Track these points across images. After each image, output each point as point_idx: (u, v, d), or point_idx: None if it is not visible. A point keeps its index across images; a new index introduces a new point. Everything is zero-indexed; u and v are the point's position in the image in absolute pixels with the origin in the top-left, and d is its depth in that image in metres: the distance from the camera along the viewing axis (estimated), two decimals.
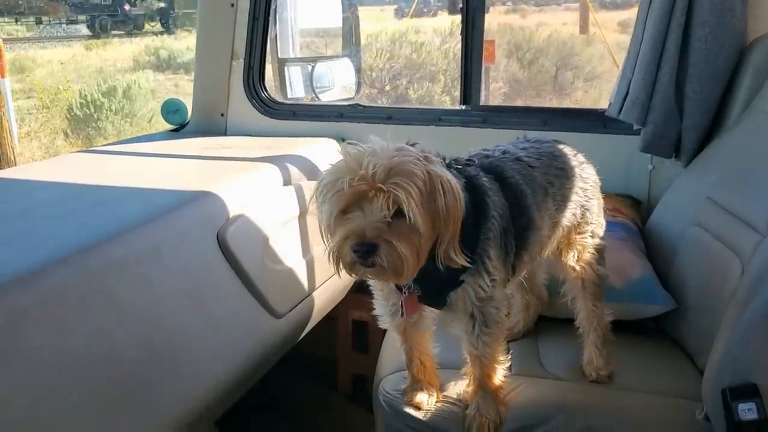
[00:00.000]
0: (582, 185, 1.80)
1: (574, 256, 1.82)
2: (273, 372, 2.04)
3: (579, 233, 1.81)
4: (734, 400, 1.41)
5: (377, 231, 1.35)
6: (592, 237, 1.83)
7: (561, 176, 1.75)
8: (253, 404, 2.30)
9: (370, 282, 1.68)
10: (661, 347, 1.97)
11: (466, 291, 1.55)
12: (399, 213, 1.35)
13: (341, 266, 1.41)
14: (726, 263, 1.78)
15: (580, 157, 1.85)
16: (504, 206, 1.58)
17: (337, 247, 1.38)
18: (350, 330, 2.79)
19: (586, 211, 1.81)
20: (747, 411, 1.40)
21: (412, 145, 1.45)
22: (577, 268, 1.82)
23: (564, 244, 1.81)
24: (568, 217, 1.76)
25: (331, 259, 1.41)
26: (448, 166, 1.50)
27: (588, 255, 1.83)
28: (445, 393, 1.76)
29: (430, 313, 1.70)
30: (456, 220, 1.42)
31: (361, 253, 1.35)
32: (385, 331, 2.15)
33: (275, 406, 2.73)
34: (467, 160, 1.61)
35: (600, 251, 1.86)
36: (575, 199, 1.77)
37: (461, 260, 1.44)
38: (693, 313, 1.92)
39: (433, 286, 1.56)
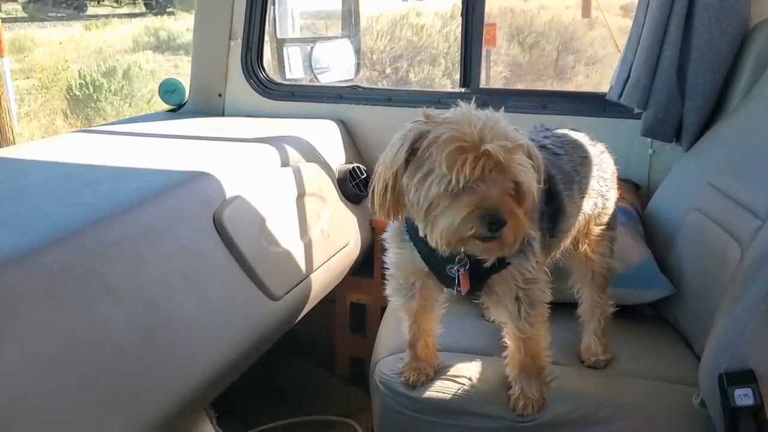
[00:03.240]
0: (602, 174, 1.79)
1: (590, 246, 1.80)
2: (270, 354, 2.04)
3: (597, 224, 1.80)
4: (731, 385, 1.41)
5: (508, 204, 1.34)
6: (609, 228, 1.83)
7: (584, 164, 1.74)
8: (250, 386, 2.31)
9: (386, 260, 1.66)
10: (658, 332, 1.97)
11: (511, 273, 1.52)
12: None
13: (451, 239, 1.35)
14: (725, 249, 1.78)
15: (600, 146, 1.83)
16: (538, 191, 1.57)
17: (462, 220, 1.32)
18: (348, 312, 2.79)
19: (606, 201, 1.80)
20: (743, 396, 1.39)
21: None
22: (595, 259, 1.81)
23: (582, 234, 1.79)
24: (590, 206, 1.75)
25: (442, 233, 1.35)
26: None
27: (603, 246, 1.82)
28: (441, 373, 1.75)
29: (442, 296, 1.70)
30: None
31: (495, 225, 1.31)
32: (382, 313, 2.16)
33: (272, 388, 2.73)
34: None
35: (613, 242, 1.85)
36: (597, 188, 1.76)
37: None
38: (691, 299, 1.91)
39: (479, 269, 1.52)
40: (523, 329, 1.58)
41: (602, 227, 1.81)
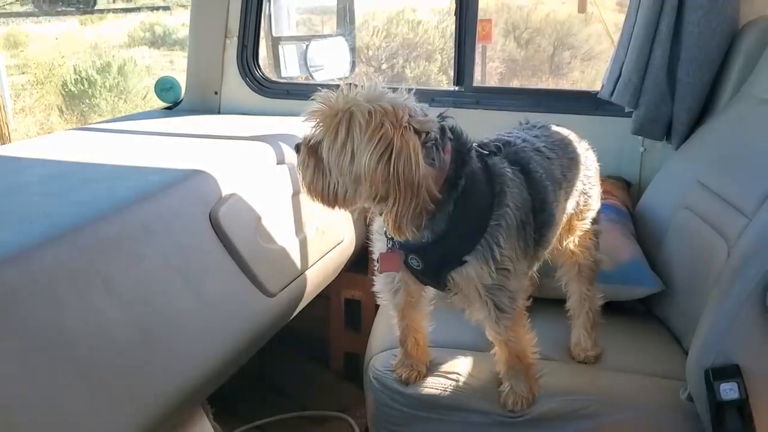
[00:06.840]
0: (586, 173, 1.81)
1: (574, 241, 1.83)
2: (266, 350, 2.06)
3: (580, 219, 1.82)
4: (717, 380, 1.44)
5: (307, 141, 1.49)
6: (591, 222, 1.85)
7: (572, 167, 1.76)
8: (246, 382, 2.32)
9: (374, 256, 1.68)
10: (648, 328, 2.00)
11: (468, 273, 1.52)
12: None
13: None
14: (712, 246, 1.80)
15: (584, 144, 1.86)
16: (526, 200, 1.56)
17: None
18: (343, 308, 2.81)
19: (588, 198, 1.82)
20: (729, 391, 1.43)
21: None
22: (580, 252, 1.83)
23: (565, 230, 1.81)
24: (572, 205, 1.77)
25: None
26: (468, 150, 1.49)
27: (587, 240, 1.85)
28: (433, 369, 1.78)
29: (429, 292, 1.72)
30: (410, 188, 1.36)
31: (295, 149, 1.51)
32: (377, 309, 2.18)
33: (268, 384, 2.75)
34: (495, 147, 1.58)
35: (597, 236, 1.88)
36: (580, 187, 1.79)
37: (403, 232, 1.42)
38: (680, 295, 1.94)
39: (432, 261, 1.53)
40: (499, 332, 1.60)
41: (585, 222, 1.83)
